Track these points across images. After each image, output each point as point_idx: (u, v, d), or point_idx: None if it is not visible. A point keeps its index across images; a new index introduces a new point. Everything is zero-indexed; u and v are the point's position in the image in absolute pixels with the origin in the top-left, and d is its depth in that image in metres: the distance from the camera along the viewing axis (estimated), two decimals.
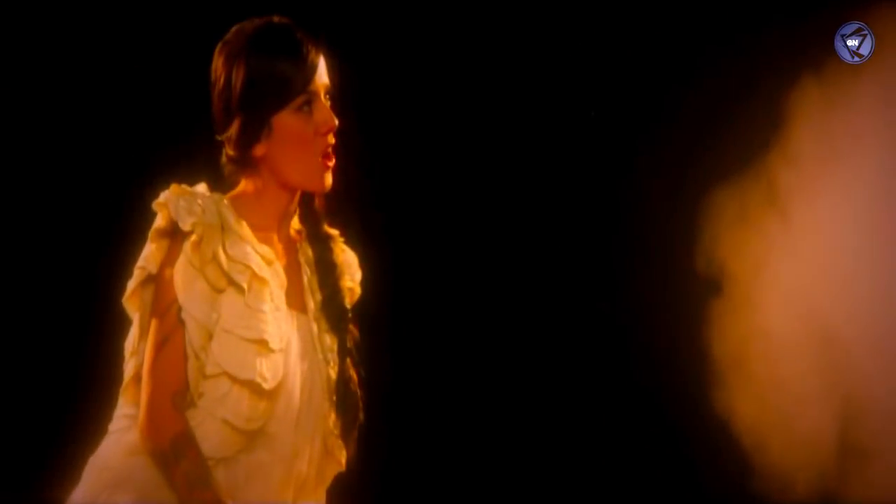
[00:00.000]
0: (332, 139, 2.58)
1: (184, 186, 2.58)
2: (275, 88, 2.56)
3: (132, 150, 4.03)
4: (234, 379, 2.49)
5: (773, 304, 5.33)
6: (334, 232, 2.75)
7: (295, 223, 2.73)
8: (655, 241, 5.29)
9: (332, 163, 2.59)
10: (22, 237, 4.23)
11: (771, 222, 5.31)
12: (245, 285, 2.51)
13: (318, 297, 2.65)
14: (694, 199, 5.26)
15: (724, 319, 5.40)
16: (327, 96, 2.60)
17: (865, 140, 5.15)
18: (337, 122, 2.58)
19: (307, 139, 2.57)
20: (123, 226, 2.72)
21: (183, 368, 2.49)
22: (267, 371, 2.50)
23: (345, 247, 2.77)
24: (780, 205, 5.30)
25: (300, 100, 2.57)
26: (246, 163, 2.64)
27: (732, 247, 5.37)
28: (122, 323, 2.67)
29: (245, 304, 2.52)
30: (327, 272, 2.67)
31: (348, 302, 2.74)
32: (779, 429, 5.34)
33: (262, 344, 2.51)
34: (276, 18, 2.63)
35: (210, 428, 2.50)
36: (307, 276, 2.66)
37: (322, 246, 2.68)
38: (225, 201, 2.58)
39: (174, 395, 2.48)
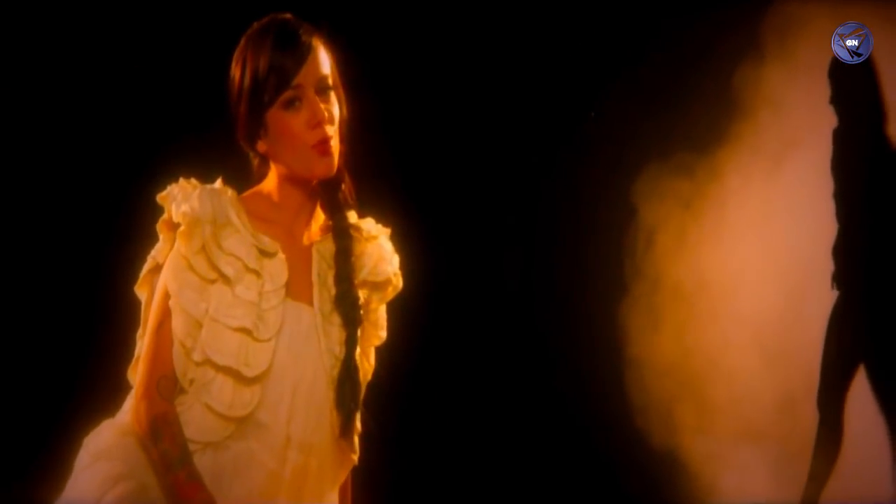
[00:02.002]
0: (327, 131, 2.59)
1: (191, 181, 2.63)
2: (261, 86, 2.59)
3: (164, 148, 4.04)
4: (216, 366, 2.54)
5: (706, 297, 5.34)
6: (363, 224, 2.76)
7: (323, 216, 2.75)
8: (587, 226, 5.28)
9: (328, 151, 2.60)
10: (43, 231, 4.26)
11: (712, 209, 5.32)
12: (233, 276, 2.56)
13: (333, 290, 2.66)
14: (631, 179, 5.28)
15: (652, 310, 5.39)
16: (321, 89, 2.61)
17: (822, 134, 5.20)
18: (326, 114, 2.59)
19: (298, 133, 2.59)
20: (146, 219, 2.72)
21: (170, 355, 2.55)
22: (251, 359, 2.54)
23: (379, 240, 2.77)
24: (724, 193, 5.32)
25: (288, 95, 2.59)
26: (261, 158, 2.68)
27: (669, 234, 5.37)
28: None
29: (233, 295, 2.56)
30: (343, 265, 2.67)
31: (380, 296, 2.76)
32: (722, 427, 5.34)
33: (247, 333, 2.55)
34: (278, 16, 2.65)
35: (196, 413, 2.55)
36: (318, 268, 2.67)
37: (343, 239, 2.69)
38: (229, 194, 2.62)
39: (160, 380, 2.54)
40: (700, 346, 5.30)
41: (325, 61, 2.62)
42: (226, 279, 2.56)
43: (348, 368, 2.63)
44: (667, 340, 5.32)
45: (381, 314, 2.78)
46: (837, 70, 5.10)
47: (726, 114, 5.20)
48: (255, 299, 2.56)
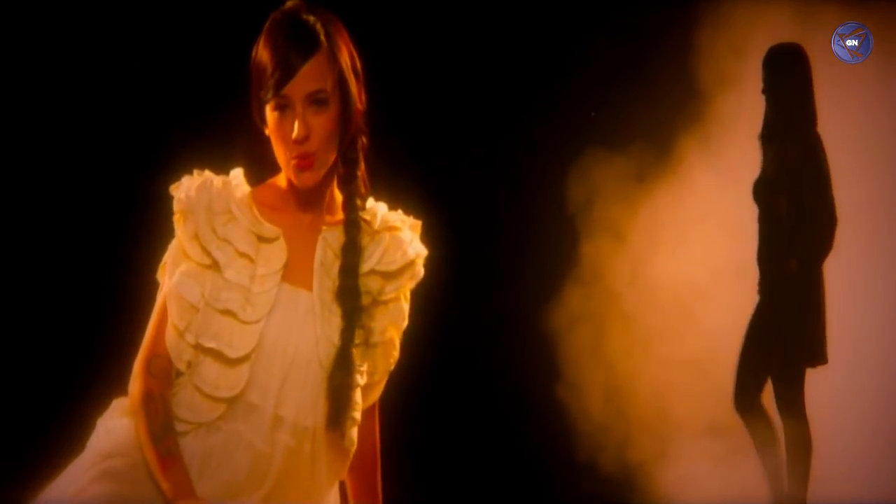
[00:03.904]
0: (307, 147, 2.61)
1: (204, 172, 2.70)
2: (258, 83, 2.63)
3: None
4: (203, 348, 2.60)
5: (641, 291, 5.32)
6: (385, 215, 2.77)
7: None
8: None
9: (305, 167, 2.62)
10: (66, 219, 4.29)
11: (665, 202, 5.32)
12: (223, 261, 2.62)
13: (337, 280, 2.68)
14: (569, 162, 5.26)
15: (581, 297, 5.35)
16: (313, 101, 2.62)
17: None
18: (304, 133, 2.60)
19: (282, 139, 2.63)
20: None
21: (163, 336, 2.62)
22: (235, 340, 2.59)
23: (400, 232, 2.77)
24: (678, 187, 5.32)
25: (278, 101, 2.61)
26: None
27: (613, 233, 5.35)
28: None
29: (224, 279, 2.61)
30: (349, 258, 2.69)
31: (396, 285, 2.75)
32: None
33: (232, 315, 2.59)
34: (293, 12, 2.66)
35: (187, 393, 2.61)
36: (323, 256, 2.68)
37: (352, 230, 2.70)
38: (233, 184, 2.68)
39: (152, 358, 2.62)
40: (655, 362, 5.28)
41: (322, 72, 2.62)
42: (218, 264, 2.61)
43: (342, 359, 2.64)
44: (610, 353, 5.29)
45: (399, 304, 2.77)
46: (771, 62, 5.13)
47: (679, 105, 5.20)
48: (245, 283, 2.60)
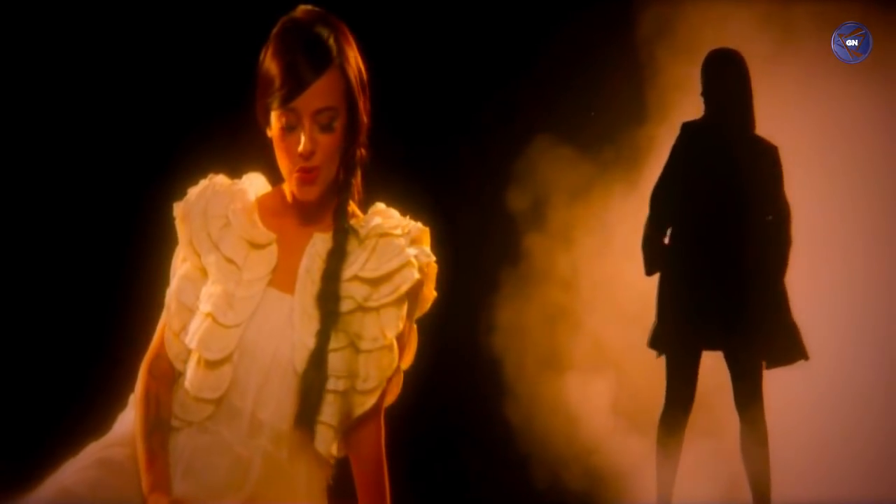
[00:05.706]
0: (312, 161, 2.63)
1: (217, 176, 2.75)
2: (266, 90, 2.64)
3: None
4: (188, 350, 2.66)
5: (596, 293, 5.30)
6: (384, 221, 2.76)
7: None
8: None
9: (307, 181, 2.64)
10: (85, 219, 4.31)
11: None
12: (212, 265, 2.67)
13: (319, 285, 2.69)
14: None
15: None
16: (320, 118, 2.63)
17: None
18: (310, 149, 2.62)
19: (286, 151, 2.65)
20: None
21: (162, 337, 2.70)
22: (213, 343, 2.63)
23: (396, 239, 2.75)
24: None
25: (284, 112, 2.62)
26: None
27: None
28: None
29: (211, 283, 2.67)
30: (331, 264, 2.70)
31: (385, 291, 2.72)
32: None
33: (213, 318, 2.64)
34: (306, 25, 2.64)
35: (181, 393, 2.67)
36: (309, 262, 2.70)
37: (339, 237, 2.72)
38: (236, 189, 2.72)
39: (154, 358, 2.70)
40: (612, 367, 5.26)
41: (332, 88, 2.63)
42: (207, 268, 2.68)
43: (315, 362, 2.65)
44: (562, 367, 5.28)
45: (391, 310, 2.73)
46: (712, 65, 5.17)
47: (634, 103, 5.25)
48: (230, 287, 2.65)
